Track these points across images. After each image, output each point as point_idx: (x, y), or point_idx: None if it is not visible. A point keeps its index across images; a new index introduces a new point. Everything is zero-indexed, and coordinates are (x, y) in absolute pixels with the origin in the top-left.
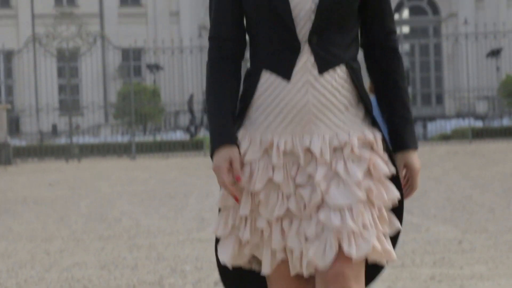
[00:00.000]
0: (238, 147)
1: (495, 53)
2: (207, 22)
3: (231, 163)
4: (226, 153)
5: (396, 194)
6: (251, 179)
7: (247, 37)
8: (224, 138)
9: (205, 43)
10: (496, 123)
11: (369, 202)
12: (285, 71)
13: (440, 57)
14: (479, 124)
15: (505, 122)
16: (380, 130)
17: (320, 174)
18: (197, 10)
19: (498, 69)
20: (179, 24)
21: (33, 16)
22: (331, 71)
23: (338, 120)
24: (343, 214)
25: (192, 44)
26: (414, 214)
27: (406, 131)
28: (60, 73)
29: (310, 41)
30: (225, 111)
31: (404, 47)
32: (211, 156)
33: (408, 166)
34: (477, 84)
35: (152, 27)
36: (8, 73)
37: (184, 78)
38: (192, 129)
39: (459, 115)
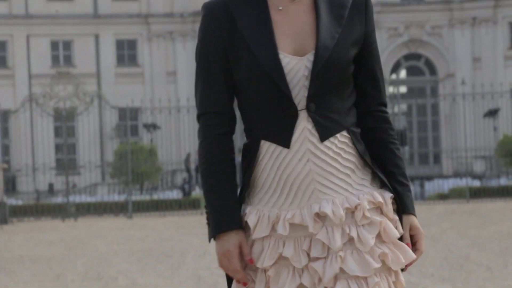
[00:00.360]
0: (244, 227)
1: (492, 113)
2: None
3: (240, 248)
4: (235, 238)
5: (411, 254)
6: (261, 255)
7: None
8: (231, 223)
9: None
10: (493, 183)
11: (385, 268)
12: (284, 140)
13: (437, 117)
14: (476, 183)
15: (503, 181)
16: (390, 190)
17: (337, 239)
18: (194, 70)
19: (495, 129)
20: (176, 83)
21: (30, 76)
22: (331, 139)
23: (346, 184)
24: (360, 284)
25: (189, 104)
26: (411, 273)
27: (408, 197)
28: (57, 132)
29: (308, 108)
30: (230, 193)
31: (401, 107)
32: (211, 239)
33: (414, 228)
34: (474, 144)
35: (149, 87)
36: (5, 132)
37: (181, 137)
38: (186, 187)
39: (457, 174)
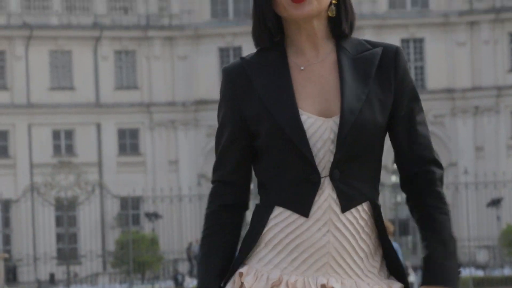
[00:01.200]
0: None
1: (495, 202)
2: (205, 171)
3: None
4: None
5: None
6: None
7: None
8: None
9: (204, 191)
10: (497, 273)
11: None
12: (303, 208)
13: None
14: (480, 273)
15: (506, 271)
16: (396, 279)
17: None
18: (196, 158)
19: (498, 218)
20: (178, 172)
21: (31, 166)
22: (353, 210)
23: (357, 267)
24: None
25: (191, 193)
26: None
27: (432, 267)
28: (58, 222)
29: (331, 175)
30: (213, 268)
31: (404, 196)
32: None
33: None
34: (477, 233)
35: (151, 176)
36: (6, 222)
37: (182, 226)
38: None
39: (460, 264)
